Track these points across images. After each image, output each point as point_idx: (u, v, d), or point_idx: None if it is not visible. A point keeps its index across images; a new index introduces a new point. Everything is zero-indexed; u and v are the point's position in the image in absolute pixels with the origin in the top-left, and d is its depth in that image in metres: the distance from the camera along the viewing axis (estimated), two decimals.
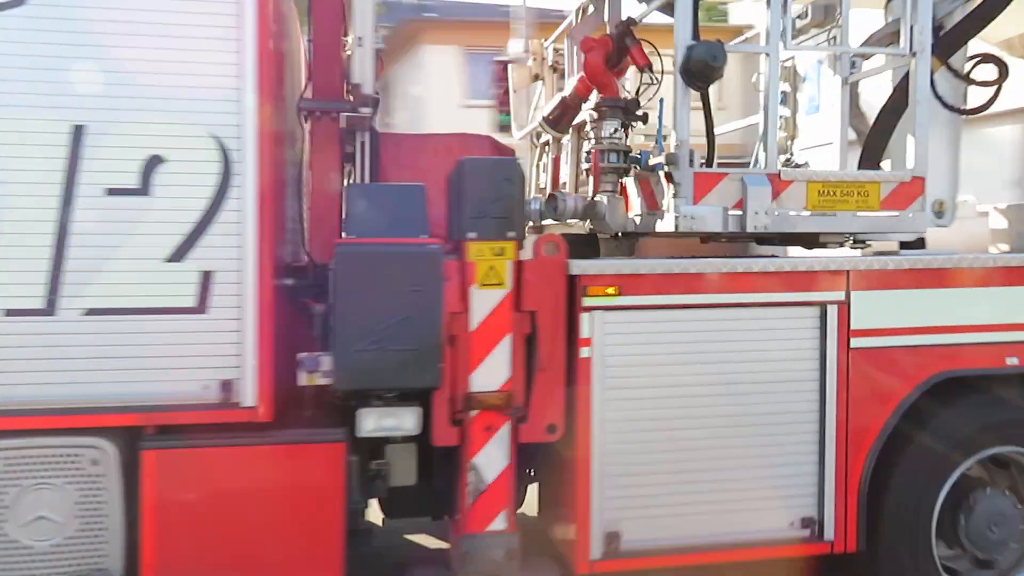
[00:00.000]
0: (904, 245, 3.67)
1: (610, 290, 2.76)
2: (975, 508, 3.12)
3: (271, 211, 2.54)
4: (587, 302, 2.75)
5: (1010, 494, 3.16)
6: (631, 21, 3.39)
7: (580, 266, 2.75)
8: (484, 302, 2.71)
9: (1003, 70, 3.64)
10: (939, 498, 3.05)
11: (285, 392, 2.62)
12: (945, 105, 3.57)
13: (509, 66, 5.05)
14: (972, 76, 3.67)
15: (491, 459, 2.75)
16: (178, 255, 2.49)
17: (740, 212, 2.99)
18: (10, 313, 2.42)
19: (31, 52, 2.41)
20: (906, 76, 3.45)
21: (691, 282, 2.85)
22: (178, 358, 2.50)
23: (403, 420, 2.70)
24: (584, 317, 2.75)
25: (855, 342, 2.94)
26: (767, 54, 3.16)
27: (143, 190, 2.47)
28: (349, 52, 3.00)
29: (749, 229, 3.01)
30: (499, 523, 2.76)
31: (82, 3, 2.46)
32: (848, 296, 2.94)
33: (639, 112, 3.43)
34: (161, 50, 2.45)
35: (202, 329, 2.51)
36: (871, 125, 3.63)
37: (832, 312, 2.92)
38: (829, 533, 2.94)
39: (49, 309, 2.42)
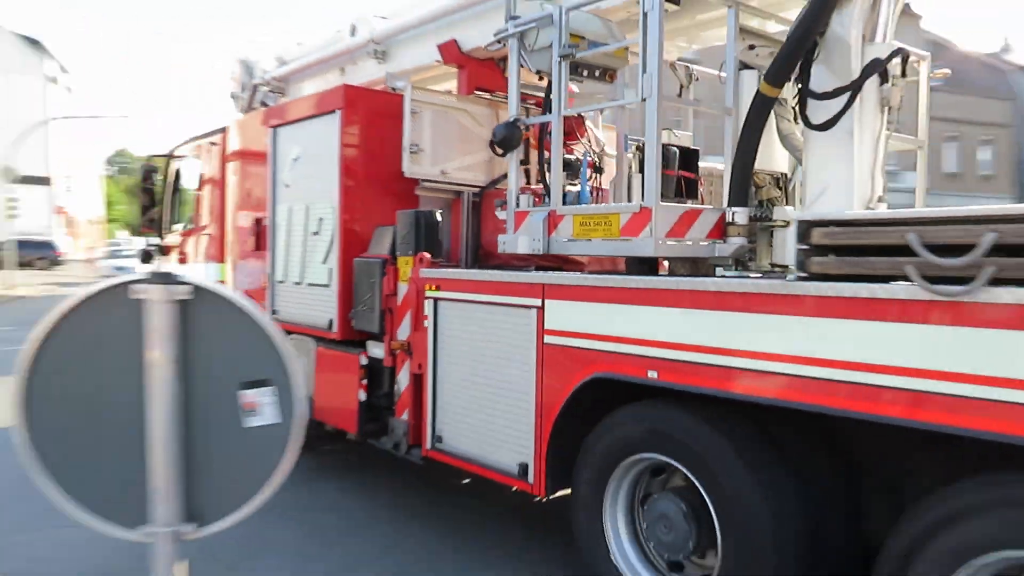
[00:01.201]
0: None
1: (432, 288, 4.53)
2: (648, 510, 3.51)
3: (348, 240, 5.36)
4: (427, 294, 4.60)
5: (679, 499, 3.35)
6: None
7: (425, 273, 4.62)
8: (401, 291, 4.88)
9: (855, 86, 3.36)
10: (607, 489, 3.60)
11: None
12: (807, 124, 3.62)
13: None
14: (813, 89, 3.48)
15: (403, 379, 4.91)
16: (325, 260, 5.58)
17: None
18: (283, 283, 5.96)
19: (317, 175, 5.87)
20: (752, 103, 3.74)
21: (480, 286, 4.31)
22: (322, 306, 5.60)
23: (379, 351, 5.13)
24: (426, 303, 4.61)
25: (547, 338, 3.83)
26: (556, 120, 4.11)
27: (319, 232, 5.66)
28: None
29: (527, 251, 4.20)
30: (405, 416, 4.89)
31: (320, 151, 5.76)
32: (543, 303, 3.85)
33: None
34: (322, 171, 5.59)
35: (328, 296, 5.54)
36: (731, 164, 3.82)
37: (533, 314, 3.89)
38: (532, 479, 3.94)
39: (300, 282, 5.87)
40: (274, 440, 2.12)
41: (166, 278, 2.02)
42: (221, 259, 7.10)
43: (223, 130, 7.18)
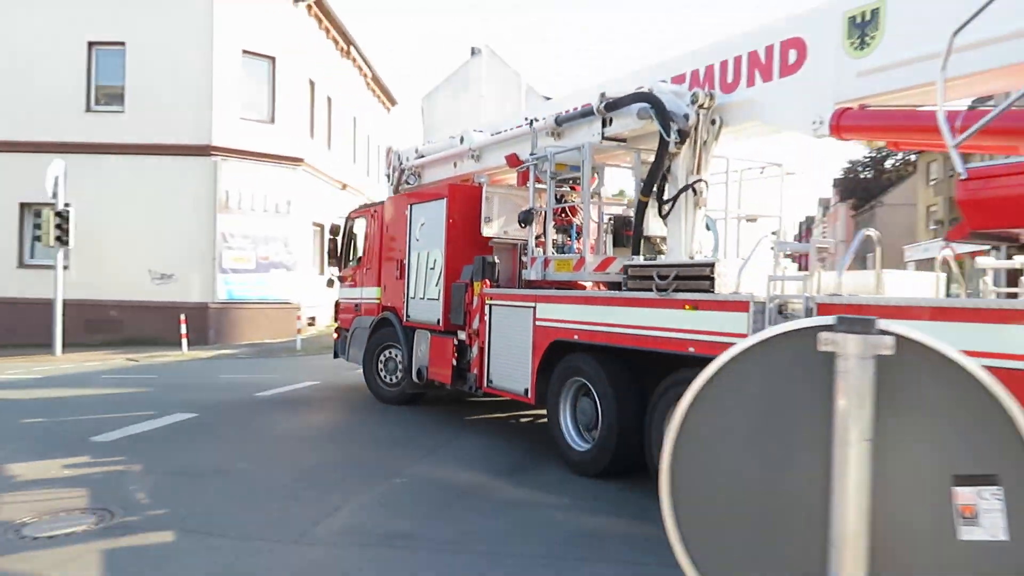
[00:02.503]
0: None
1: (488, 299, 8.30)
2: (578, 406, 7.11)
3: (449, 273, 9.24)
4: (486, 302, 8.37)
5: (588, 399, 6.92)
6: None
7: (485, 291, 8.39)
8: (475, 299, 8.69)
9: (674, 198, 6.90)
10: (560, 396, 7.21)
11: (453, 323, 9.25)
12: (661, 213, 7.19)
13: None
14: (665, 199, 7.03)
15: (474, 351, 8.69)
16: (436, 284, 9.49)
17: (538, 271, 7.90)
18: (413, 298, 9.90)
19: (433, 234, 9.86)
20: (635, 204, 7.34)
21: (508, 297, 8.04)
22: (434, 311, 9.51)
23: (463, 335, 8.94)
24: (485, 307, 8.38)
25: (537, 323, 7.50)
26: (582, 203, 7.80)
27: (433, 268, 9.58)
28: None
29: (536, 278, 7.90)
30: (475, 371, 8.65)
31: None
32: (536, 305, 7.52)
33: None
34: (436, 232, 9.56)
35: (437, 305, 9.43)
36: (633, 234, 7.36)
37: (531, 311, 7.57)
38: (530, 396, 7.59)
39: (423, 297, 9.82)
40: (997, 565, 1.50)
41: (865, 326, 1.55)
42: (378, 284, 11.23)
43: (382, 203, 11.38)
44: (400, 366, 10.53)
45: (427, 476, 6.92)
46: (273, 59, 21.63)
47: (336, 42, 27.17)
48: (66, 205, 14.74)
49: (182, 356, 17.51)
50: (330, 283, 12.72)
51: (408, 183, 11.99)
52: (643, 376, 6.57)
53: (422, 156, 11.89)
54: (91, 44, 20.57)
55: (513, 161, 9.19)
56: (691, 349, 5.67)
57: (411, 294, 10.14)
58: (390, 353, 10.78)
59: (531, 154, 8.22)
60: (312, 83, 24.44)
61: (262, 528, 5.34)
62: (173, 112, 20.03)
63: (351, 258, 12.52)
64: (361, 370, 11.25)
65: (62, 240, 13.26)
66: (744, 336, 5.14)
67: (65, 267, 18.51)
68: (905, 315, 4.20)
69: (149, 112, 20.13)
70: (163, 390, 11.97)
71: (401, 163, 12.39)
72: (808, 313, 4.78)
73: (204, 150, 20.13)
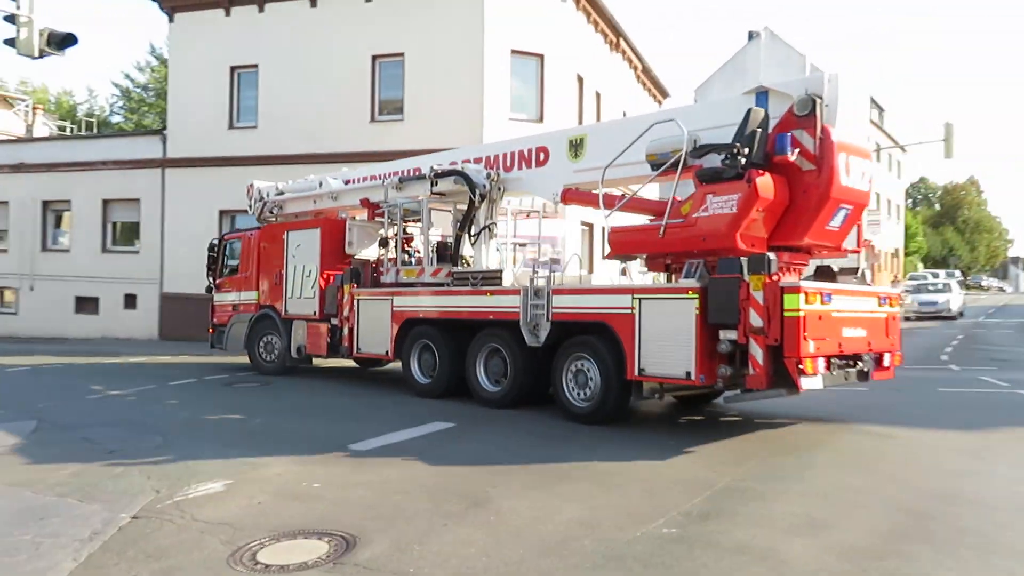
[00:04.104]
0: None
1: (357, 296, 12.65)
2: (422, 358, 11.72)
3: (324, 272, 13.40)
4: (355, 297, 12.71)
5: (430, 354, 11.56)
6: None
7: (354, 290, 12.73)
8: (346, 296, 12.98)
9: (478, 233, 11.76)
10: (412, 353, 11.77)
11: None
12: (470, 242, 11.98)
13: None
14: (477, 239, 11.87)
15: (346, 330, 12.98)
16: (312, 287, 13.61)
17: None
18: (290, 298, 13.96)
19: (308, 253, 13.93)
20: (455, 235, 12.07)
21: (372, 293, 12.46)
22: (310, 307, 13.63)
23: (336, 321, 13.20)
24: (354, 301, 12.71)
25: (395, 309, 11.99)
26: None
27: (309, 276, 13.72)
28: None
29: (390, 282, 12.40)
30: (346, 344, 12.93)
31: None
32: (393, 298, 12.03)
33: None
34: (311, 251, 13.72)
35: (314, 303, 13.55)
36: (454, 254, 12.12)
37: (389, 301, 12.06)
38: (390, 354, 12.06)
39: (299, 297, 13.89)
40: None
41: None
42: (255, 288, 15.01)
43: (259, 228, 15.24)
44: (277, 347, 14.43)
45: (701, 530, 5.28)
46: (541, 57, 21.27)
47: (605, 35, 26.05)
48: None
49: None
50: (208, 290, 16.21)
51: (271, 213, 15.89)
52: (462, 336, 11.25)
53: (282, 193, 15.82)
54: (375, 57, 21.66)
55: (366, 203, 13.61)
56: (491, 316, 10.50)
57: (289, 295, 14.13)
58: (268, 339, 14.63)
59: (384, 201, 12.72)
60: (580, 79, 23.53)
61: None
62: (447, 116, 20.25)
63: (225, 268, 16.08)
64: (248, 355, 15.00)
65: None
66: (517, 308, 10.05)
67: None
68: (576, 291, 9.28)
69: (425, 117, 20.63)
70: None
71: (263, 197, 16.21)
72: (548, 295, 9.72)
73: None
